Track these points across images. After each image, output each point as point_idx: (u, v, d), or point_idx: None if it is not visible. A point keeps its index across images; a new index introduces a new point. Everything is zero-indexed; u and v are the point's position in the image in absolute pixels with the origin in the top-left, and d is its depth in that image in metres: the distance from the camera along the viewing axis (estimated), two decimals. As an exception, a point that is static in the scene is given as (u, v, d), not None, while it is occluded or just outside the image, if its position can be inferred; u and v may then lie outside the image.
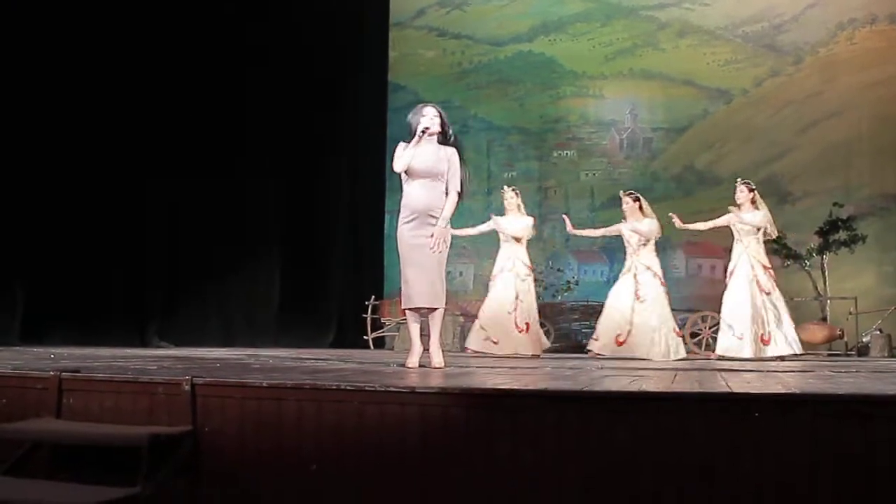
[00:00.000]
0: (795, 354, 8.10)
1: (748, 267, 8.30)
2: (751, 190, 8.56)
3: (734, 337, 8.15)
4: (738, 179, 8.76)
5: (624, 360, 7.82)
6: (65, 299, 9.09)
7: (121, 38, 9.55)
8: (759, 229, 8.46)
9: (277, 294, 11.52)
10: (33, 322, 8.99)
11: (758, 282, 8.21)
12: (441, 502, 3.12)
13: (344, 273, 12.28)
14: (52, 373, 3.68)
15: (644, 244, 8.67)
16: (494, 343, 8.52)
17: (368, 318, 11.97)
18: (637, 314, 8.43)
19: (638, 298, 8.47)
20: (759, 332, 8.10)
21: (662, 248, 13.08)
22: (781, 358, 7.99)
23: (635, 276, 8.61)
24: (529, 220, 8.87)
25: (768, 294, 8.20)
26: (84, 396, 3.62)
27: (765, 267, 8.36)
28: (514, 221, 8.78)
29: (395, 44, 14.17)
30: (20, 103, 8.80)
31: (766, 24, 13.29)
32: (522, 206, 8.90)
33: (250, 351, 8.51)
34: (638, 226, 8.69)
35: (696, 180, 13.22)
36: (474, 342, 8.63)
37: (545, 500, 3.03)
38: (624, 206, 8.87)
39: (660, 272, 8.67)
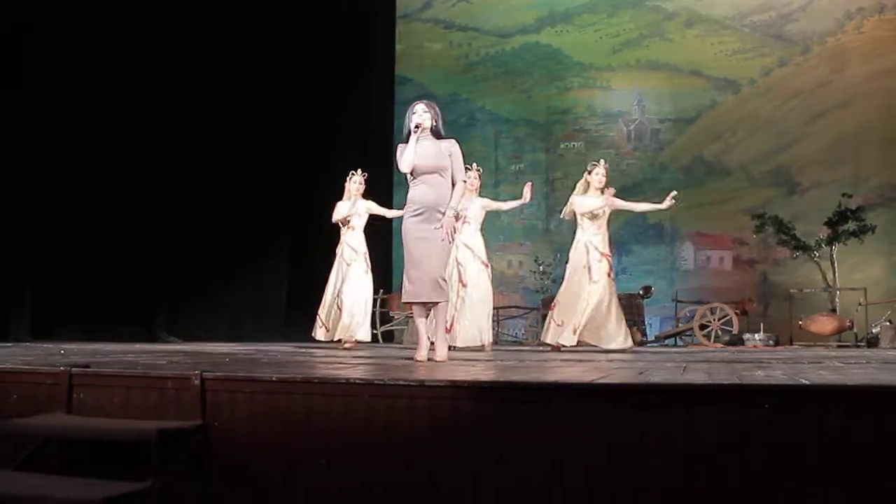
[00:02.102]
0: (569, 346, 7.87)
1: (584, 253, 8.00)
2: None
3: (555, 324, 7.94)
4: (602, 161, 8.20)
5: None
6: (74, 295, 9.12)
7: (124, 37, 9.55)
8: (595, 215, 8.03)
9: (286, 288, 11.53)
10: (43, 318, 9.02)
11: (589, 269, 7.92)
12: (450, 495, 3.13)
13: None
14: (62, 368, 3.69)
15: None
16: None
17: (377, 312, 11.97)
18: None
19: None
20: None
21: (671, 239, 13.17)
22: (559, 348, 7.83)
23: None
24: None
25: (595, 282, 7.87)
26: (94, 391, 3.63)
27: (602, 254, 8.00)
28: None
29: (402, 36, 14.16)
30: (26, 104, 8.82)
31: (773, 14, 13.24)
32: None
33: (259, 345, 8.53)
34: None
35: (704, 171, 13.20)
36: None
37: (554, 492, 3.03)
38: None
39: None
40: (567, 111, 13.82)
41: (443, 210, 5.38)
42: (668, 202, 8.07)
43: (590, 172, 8.10)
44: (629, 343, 7.96)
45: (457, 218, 5.54)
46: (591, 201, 8.06)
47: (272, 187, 11.29)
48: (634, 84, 13.62)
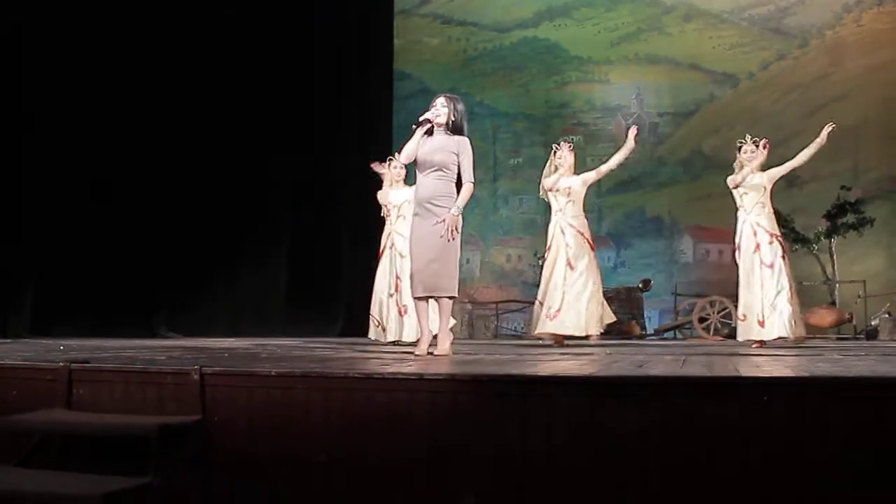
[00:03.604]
0: (784, 338, 7.24)
1: (751, 236, 7.35)
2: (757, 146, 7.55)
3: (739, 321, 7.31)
4: (748, 137, 7.77)
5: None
6: (74, 292, 9.11)
7: (125, 37, 9.55)
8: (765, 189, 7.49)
9: (285, 283, 11.53)
10: (43, 314, 9.02)
11: (760, 253, 7.27)
12: (450, 489, 3.13)
13: (352, 261, 12.28)
14: (61, 364, 3.69)
15: None
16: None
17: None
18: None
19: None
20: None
21: (670, 233, 13.17)
22: (761, 343, 7.14)
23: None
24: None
25: (770, 266, 7.25)
26: (94, 387, 3.63)
27: (772, 234, 7.35)
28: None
29: (400, 32, 14.13)
30: (25, 101, 8.83)
31: (771, 7, 13.22)
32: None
33: (259, 340, 8.53)
34: None
35: (703, 164, 13.17)
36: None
37: (554, 486, 3.04)
38: None
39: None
40: (565, 105, 13.80)
41: (437, 203, 5.32)
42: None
43: (739, 149, 7.62)
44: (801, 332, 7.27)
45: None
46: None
47: (271, 182, 11.28)
48: (633, 78, 13.59)
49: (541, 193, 7.91)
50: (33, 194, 8.93)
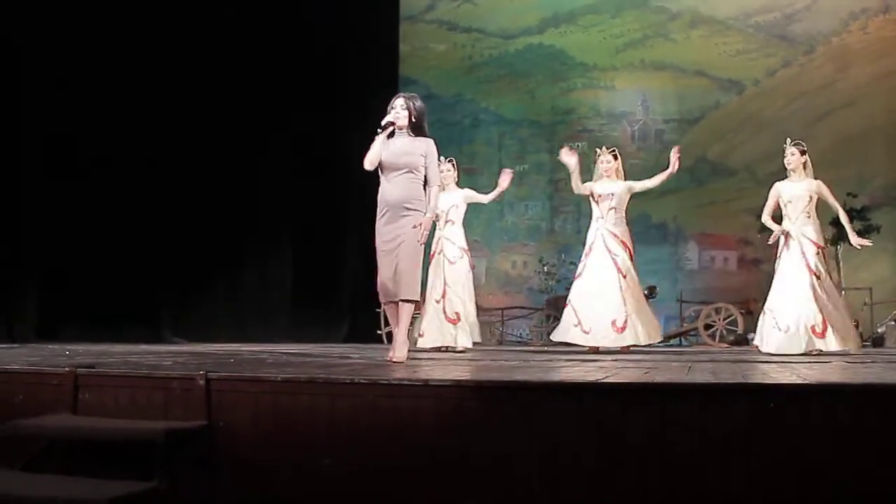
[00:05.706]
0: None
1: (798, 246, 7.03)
2: (803, 152, 7.20)
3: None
4: (789, 140, 7.31)
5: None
6: (80, 296, 9.12)
7: (126, 37, 9.56)
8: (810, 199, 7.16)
9: (290, 289, 11.53)
10: (49, 319, 9.04)
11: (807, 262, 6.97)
12: (455, 495, 3.13)
13: (356, 267, 12.27)
14: (67, 369, 3.70)
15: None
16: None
17: (382, 312, 11.97)
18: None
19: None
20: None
21: (675, 239, 13.16)
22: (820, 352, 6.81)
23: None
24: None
25: (818, 277, 6.95)
26: (99, 392, 3.64)
27: (816, 245, 7.07)
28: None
29: (406, 38, 14.15)
30: (26, 103, 8.87)
31: (777, 14, 13.21)
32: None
33: (264, 346, 8.53)
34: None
35: (708, 171, 13.17)
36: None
37: (559, 492, 3.03)
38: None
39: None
40: (571, 112, 13.79)
41: (410, 206, 5.29)
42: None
43: (804, 153, 7.24)
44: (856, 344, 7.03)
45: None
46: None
47: (276, 187, 11.29)
48: (638, 84, 13.59)
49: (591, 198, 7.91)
50: (37, 199, 8.95)
